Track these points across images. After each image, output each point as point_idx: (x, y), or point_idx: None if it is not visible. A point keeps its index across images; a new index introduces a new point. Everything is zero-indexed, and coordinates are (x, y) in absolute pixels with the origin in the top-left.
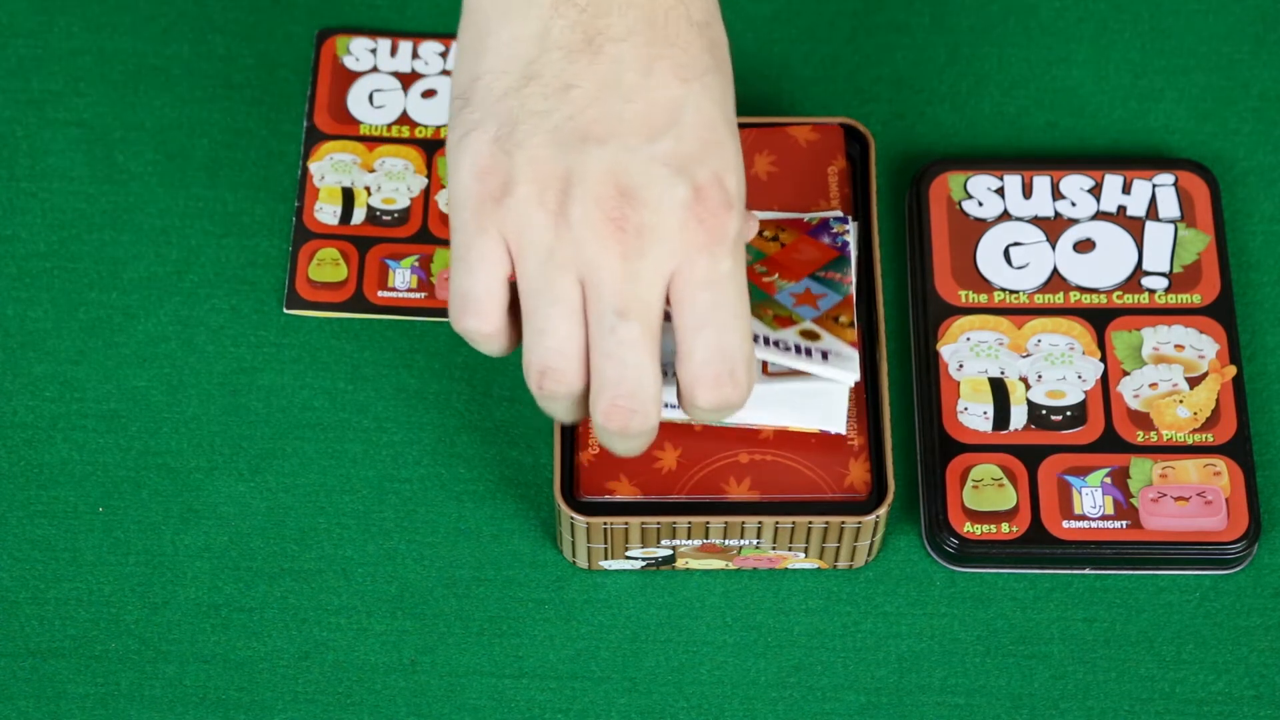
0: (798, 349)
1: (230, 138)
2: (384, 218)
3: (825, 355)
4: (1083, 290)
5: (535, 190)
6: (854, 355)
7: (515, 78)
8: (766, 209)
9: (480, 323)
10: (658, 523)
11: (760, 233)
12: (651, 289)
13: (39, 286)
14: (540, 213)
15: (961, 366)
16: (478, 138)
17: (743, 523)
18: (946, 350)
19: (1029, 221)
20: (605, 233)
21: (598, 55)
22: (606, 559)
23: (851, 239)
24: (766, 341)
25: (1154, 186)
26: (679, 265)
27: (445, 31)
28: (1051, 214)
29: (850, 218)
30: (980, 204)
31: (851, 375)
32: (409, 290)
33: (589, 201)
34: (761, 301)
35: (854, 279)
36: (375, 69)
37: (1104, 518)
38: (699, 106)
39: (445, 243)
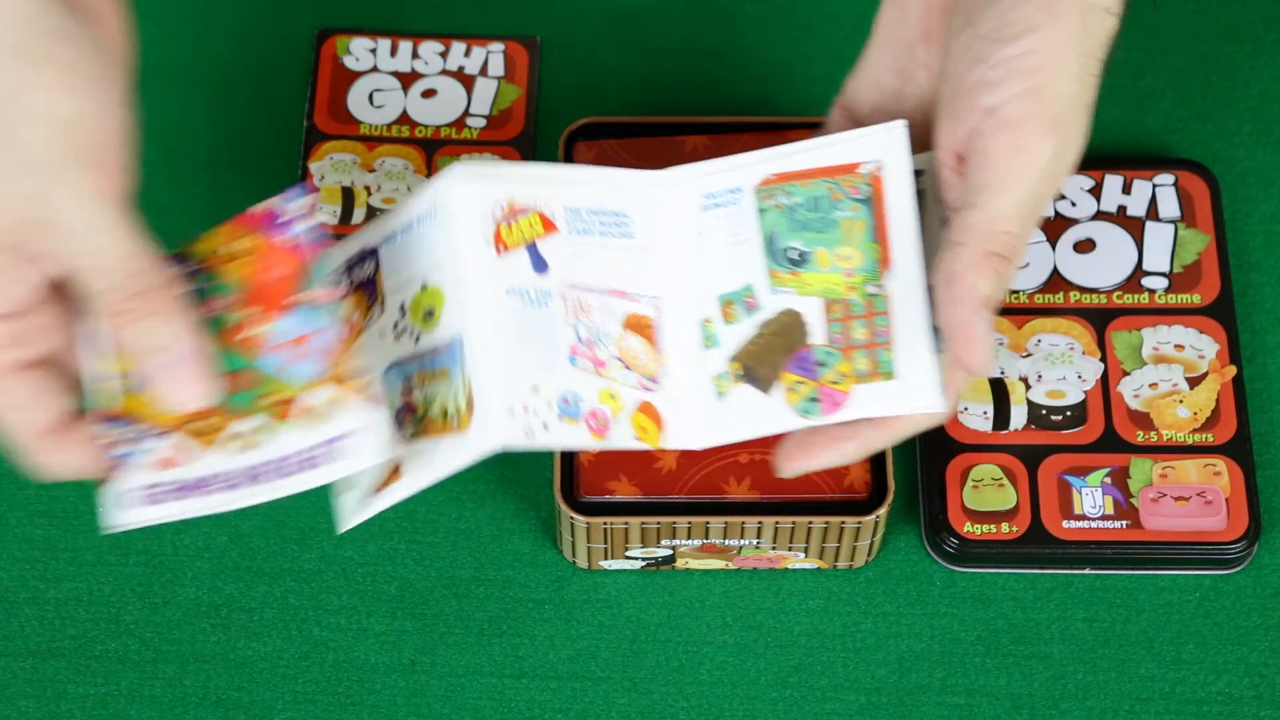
0: (300, 461)
1: (230, 137)
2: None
3: (332, 450)
4: (1083, 290)
5: None
6: (384, 421)
7: None
8: None
9: None
10: (658, 523)
11: (221, 251)
12: None
13: None
14: None
15: None
16: None
17: (743, 523)
18: None
19: None
20: None
21: None
22: (606, 559)
23: (306, 223)
24: (268, 473)
25: (1154, 186)
26: None
27: (445, 31)
28: (1051, 214)
29: (307, 188)
30: None
31: (381, 454)
32: None
33: None
34: (261, 383)
35: (345, 285)
36: (375, 69)
37: (1104, 518)
38: None
39: None
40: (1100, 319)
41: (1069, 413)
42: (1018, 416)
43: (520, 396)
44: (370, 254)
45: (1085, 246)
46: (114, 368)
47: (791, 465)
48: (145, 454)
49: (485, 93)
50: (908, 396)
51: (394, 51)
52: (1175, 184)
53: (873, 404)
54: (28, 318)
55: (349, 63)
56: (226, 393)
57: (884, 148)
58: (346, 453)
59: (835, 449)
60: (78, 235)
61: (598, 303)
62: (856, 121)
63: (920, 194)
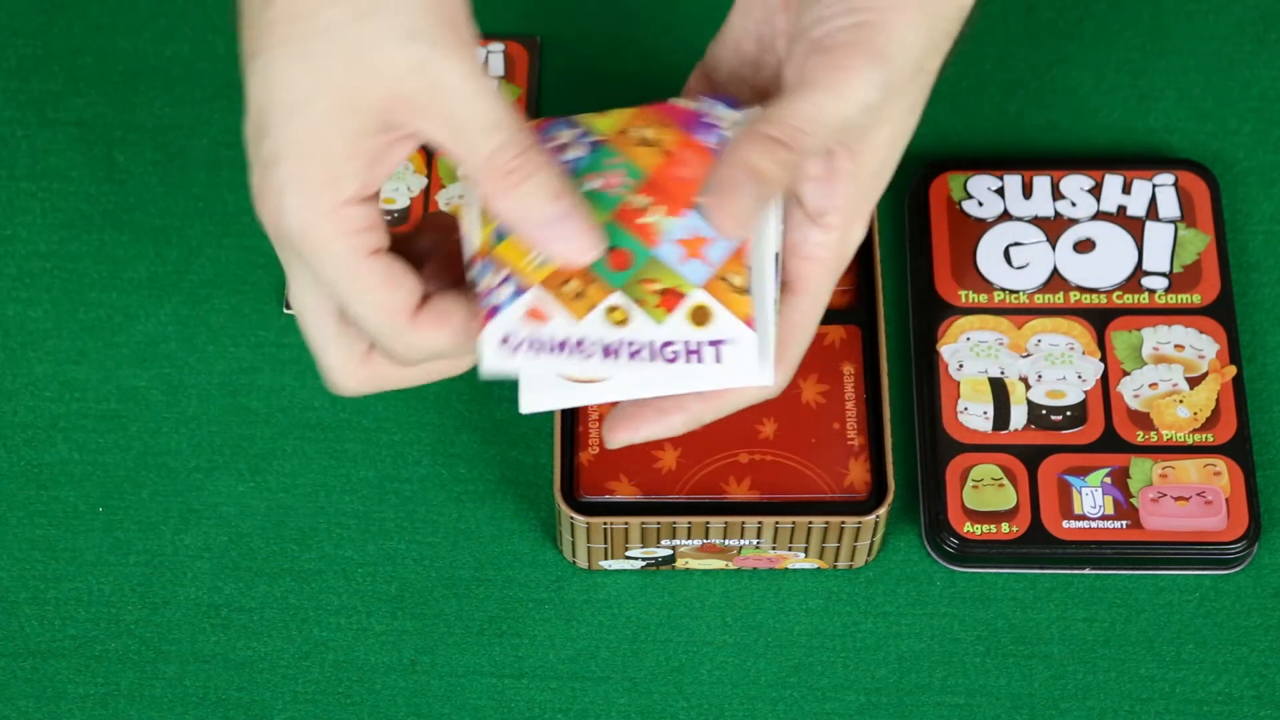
0: (686, 351)
1: (230, 138)
2: (384, 217)
3: (717, 350)
4: (1083, 290)
5: None
6: (751, 341)
7: None
8: None
9: None
10: (658, 523)
11: (631, 131)
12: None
13: (39, 286)
14: None
15: (961, 366)
16: None
17: (743, 523)
18: (946, 350)
19: (1029, 221)
20: None
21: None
22: (606, 559)
23: (733, 132)
24: (643, 353)
25: (1154, 186)
26: None
27: None
28: (1051, 214)
29: (738, 100)
30: (980, 204)
31: (751, 375)
32: None
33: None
34: (643, 268)
35: (775, 225)
36: None
37: (1104, 518)
38: (251, 94)
39: None
40: (1100, 319)
41: (1069, 413)
42: (1018, 416)
43: None
44: None
45: (1085, 246)
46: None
47: (617, 436)
48: (516, 305)
49: None
50: (732, 371)
51: None
52: (1175, 184)
53: (698, 378)
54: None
55: None
56: (609, 268)
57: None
58: (726, 358)
59: (662, 421)
60: (464, 100)
61: None
62: (714, 87)
63: None
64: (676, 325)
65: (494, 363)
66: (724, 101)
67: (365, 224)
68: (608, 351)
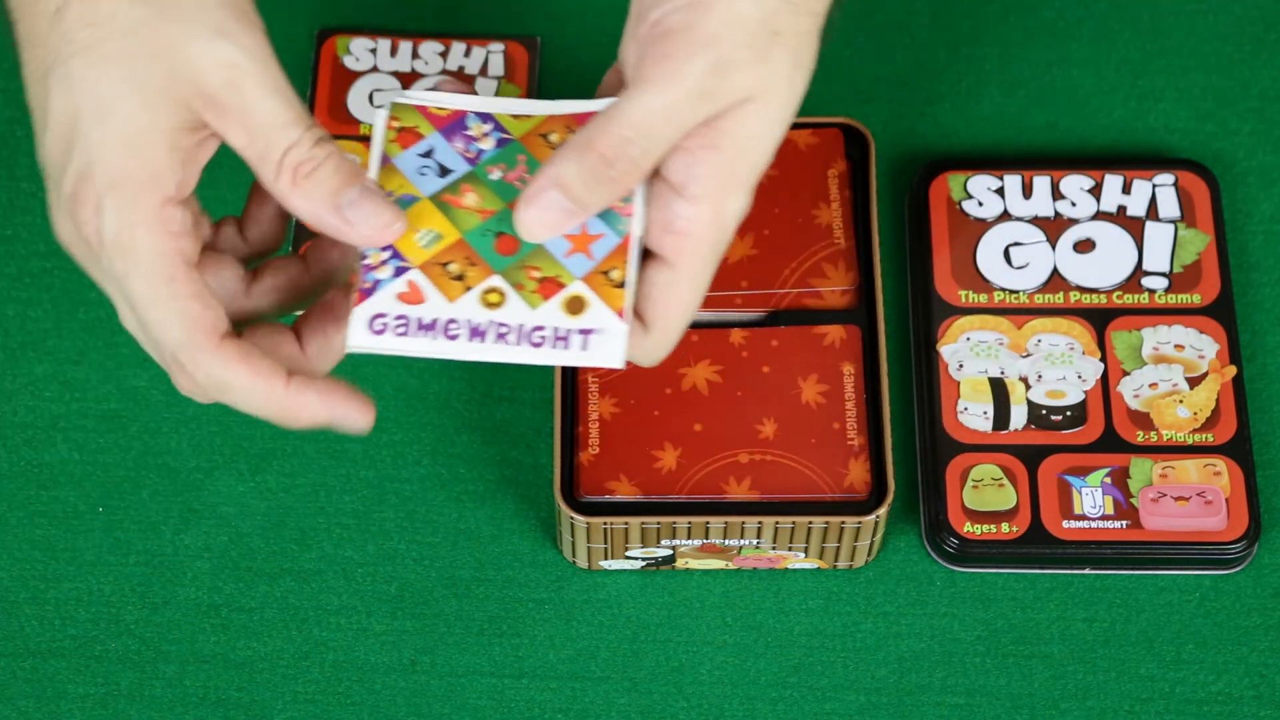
0: (554, 337)
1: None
2: (197, 225)
3: (585, 339)
4: (1083, 290)
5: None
6: (620, 331)
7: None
8: (768, 212)
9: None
10: (658, 523)
11: (545, 135)
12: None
13: (39, 286)
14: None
15: (961, 366)
16: None
17: (743, 523)
18: (946, 350)
19: (1029, 221)
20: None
21: (27, 85)
22: (606, 559)
23: None
24: (510, 336)
25: (1154, 186)
26: None
27: (445, 31)
28: (1051, 214)
29: None
30: (980, 204)
31: (615, 359)
32: None
33: None
34: (528, 256)
35: (638, 208)
36: (375, 69)
37: (1104, 518)
38: (54, 106)
39: None
40: (1100, 319)
41: (1069, 413)
42: (1018, 416)
43: None
44: None
45: (1085, 246)
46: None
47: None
48: (393, 285)
49: (485, 92)
50: (595, 357)
51: (394, 52)
52: (1175, 184)
53: (559, 360)
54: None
55: (349, 63)
56: (496, 252)
57: None
58: (593, 346)
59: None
60: (261, 98)
61: None
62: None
63: None
64: (550, 312)
65: (359, 341)
66: None
67: (183, 228)
68: (475, 333)
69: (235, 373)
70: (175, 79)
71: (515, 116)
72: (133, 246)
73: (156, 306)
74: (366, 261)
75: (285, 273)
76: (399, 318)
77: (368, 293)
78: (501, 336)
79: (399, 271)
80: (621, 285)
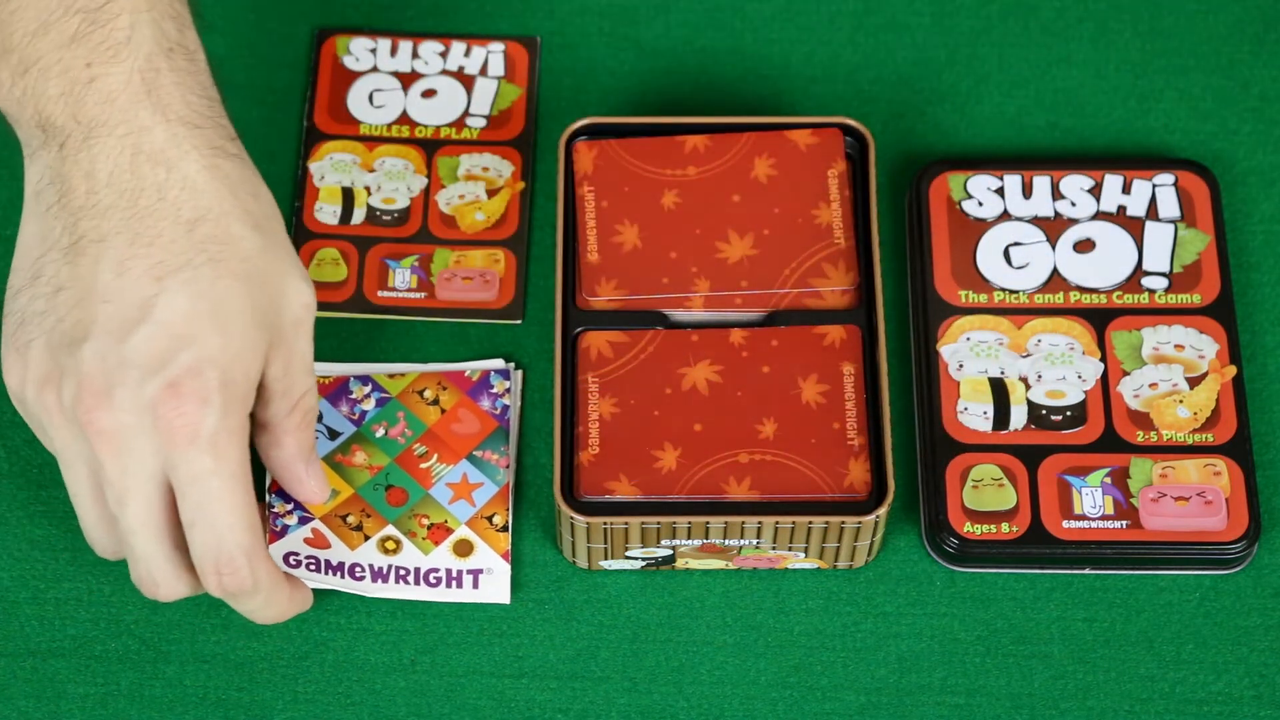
0: (448, 578)
1: None
2: (384, 217)
3: (476, 579)
4: (1083, 290)
5: (39, 383)
6: (505, 571)
7: (27, 276)
8: (768, 212)
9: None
10: (658, 523)
11: (420, 392)
12: (141, 482)
13: None
14: (45, 403)
15: (961, 366)
16: (5, 337)
17: (743, 523)
18: (946, 350)
19: (1029, 221)
20: (90, 433)
21: (80, 257)
22: (606, 559)
23: (513, 398)
24: (409, 578)
25: (1154, 186)
26: (166, 463)
27: (445, 31)
28: (1051, 214)
29: (514, 367)
30: (980, 204)
31: (502, 597)
32: (409, 290)
33: (74, 401)
34: (417, 505)
35: (511, 460)
36: (375, 69)
37: (1104, 518)
38: (171, 303)
39: (446, 242)
40: (1100, 319)
41: (1069, 413)
42: (1018, 416)
43: None
44: None
45: (1085, 246)
46: None
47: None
48: (300, 531)
49: (485, 93)
50: (485, 594)
51: (394, 51)
52: (1175, 184)
53: (452, 597)
54: None
55: (349, 62)
56: (387, 504)
57: None
58: (483, 584)
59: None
60: (311, 340)
61: None
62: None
63: None
64: (442, 555)
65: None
66: (498, 373)
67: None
68: (377, 575)
69: (276, 576)
70: (275, 307)
71: (391, 376)
72: (227, 448)
73: (234, 511)
74: (274, 510)
75: None
76: (310, 557)
77: (278, 535)
78: (402, 578)
79: (303, 520)
80: (504, 529)
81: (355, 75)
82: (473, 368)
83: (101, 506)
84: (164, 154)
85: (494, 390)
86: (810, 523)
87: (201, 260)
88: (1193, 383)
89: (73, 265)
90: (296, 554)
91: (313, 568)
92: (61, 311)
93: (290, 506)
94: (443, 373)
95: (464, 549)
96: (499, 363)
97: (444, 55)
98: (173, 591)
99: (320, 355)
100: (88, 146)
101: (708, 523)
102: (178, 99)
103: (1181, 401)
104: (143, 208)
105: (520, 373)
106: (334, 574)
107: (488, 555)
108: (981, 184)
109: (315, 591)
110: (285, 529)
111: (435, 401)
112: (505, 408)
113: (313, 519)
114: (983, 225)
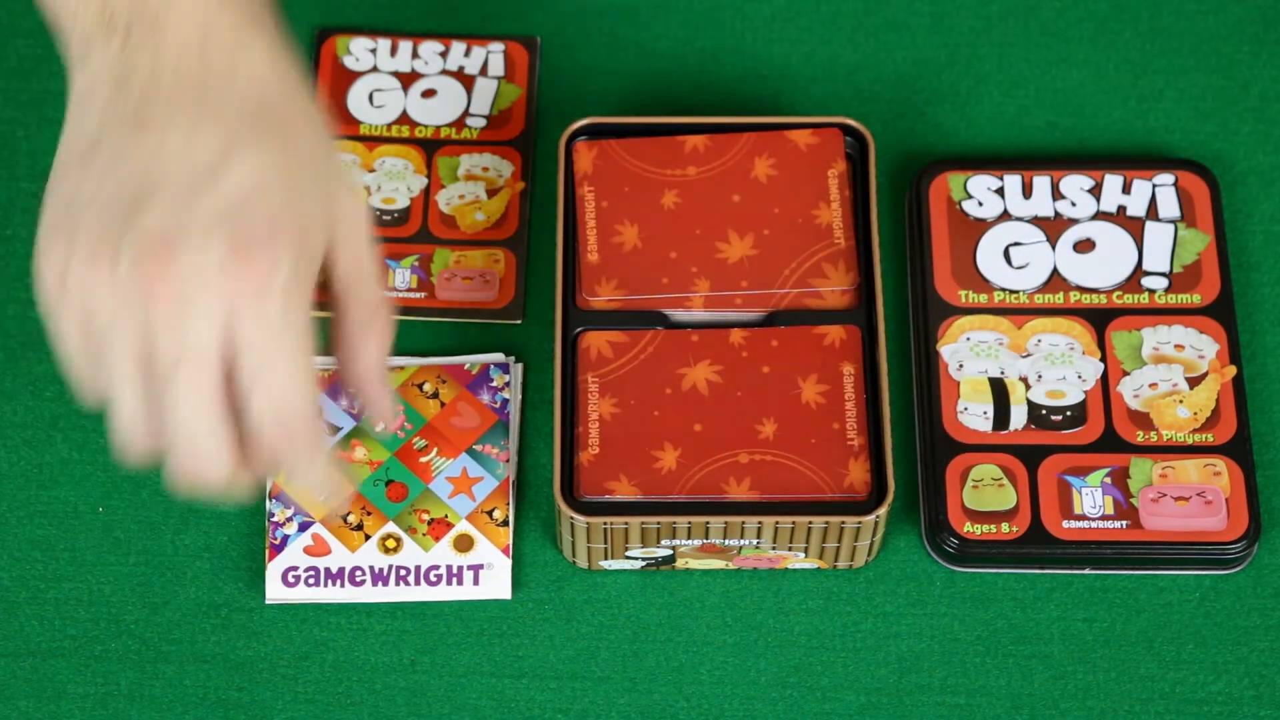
0: (448, 575)
1: None
2: (384, 217)
3: (476, 575)
4: (1083, 290)
5: (88, 255)
6: (506, 566)
7: (77, 160)
8: (768, 212)
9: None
10: (658, 523)
11: (419, 385)
12: (199, 346)
13: None
14: (94, 276)
15: (961, 366)
16: (45, 225)
17: (743, 523)
18: (946, 350)
19: (1029, 221)
20: (149, 294)
21: (144, 126)
22: (606, 559)
23: (513, 392)
24: (409, 578)
25: (1154, 186)
26: (229, 321)
27: (445, 31)
28: (1051, 214)
29: (514, 361)
30: (980, 204)
31: (503, 593)
32: (409, 290)
33: (133, 264)
34: (417, 500)
35: (512, 454)
36: (375, 69)
37: (1104, 518)
38: (242, 169)
39: (446, 242)
40: (1100, 319)
41: (1069, 413)
42: (1018, 416)
43: None
44: None
45: (1085, 246)
46: None
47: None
48: (299, 540)
49: (485, 93)
50: (486, 590)
51: (394, 51)
52: (1175, 184)
53: (453, 594)
54: None
55: (349, 62)
56: (388, 499)
57: None
58: (484, 580)
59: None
60: (377, 277)
61: None
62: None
63: None
64: (442, 552)
65: (275, 594)
66: (498, 367)
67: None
68: (377, 578)
69: (329, 446)
70: (335, 202)
71: (390, 370)
72: (297, 307)
73: (303, 370)
74: (274, 519)
75: None
76: (309, 569)
77: (278, 548)
78: (402, 579)
79: (303, 526)
80: (504, 524)
81: (355, 75)
82: (472, 360)
83: (144, 386)
84: (234, 40)
85: (494, 384)
86: (810, 523)
87: (272, 137)
88: (1193, 383)
89: (138, 134)
90: (295, 569)
91: (312, 582)
92: (122, 176)
93: (290, 513)
94: (442, 366)
95: (464, 544)
96: (499, 356)
97: (444, 55)
98: (218, 471)
99: (320, 355)
100: (155, 32)
101: (708, 523)
102: None
103: (1181, 401)
104: (212, 88)
105: (520, 366)
106: (334, 583)
107: (488, 550)
108: (981, 184)
109: (315, 604)
110: (285, 540)
111: (435, 395)
112: (505, 401)
113: (313, 523)
114: (983, 225)
